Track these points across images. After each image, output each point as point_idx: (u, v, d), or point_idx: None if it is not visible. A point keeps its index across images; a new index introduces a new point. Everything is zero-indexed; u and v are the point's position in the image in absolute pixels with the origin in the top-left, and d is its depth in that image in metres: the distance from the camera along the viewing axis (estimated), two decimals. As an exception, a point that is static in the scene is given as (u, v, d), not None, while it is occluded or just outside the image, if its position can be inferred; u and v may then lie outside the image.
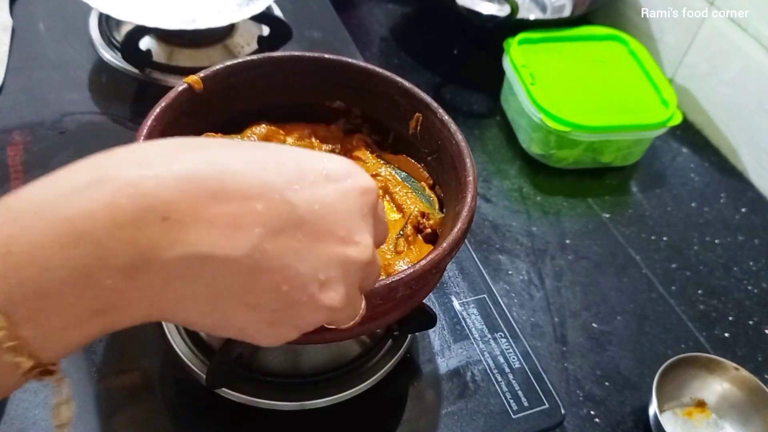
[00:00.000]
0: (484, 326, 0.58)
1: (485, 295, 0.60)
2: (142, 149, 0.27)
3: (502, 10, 0.84)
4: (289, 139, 0.53)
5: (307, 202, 0.27)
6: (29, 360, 0.24)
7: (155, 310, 0.26)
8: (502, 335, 0.57)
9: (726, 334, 0.65)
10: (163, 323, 0.51)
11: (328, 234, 0.27)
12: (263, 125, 0.53)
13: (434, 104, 0.49)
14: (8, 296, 0.23)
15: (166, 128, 0.45)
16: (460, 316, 0.58)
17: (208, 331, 0.29)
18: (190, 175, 0.25)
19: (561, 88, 0.76)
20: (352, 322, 0.32)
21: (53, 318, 0.24)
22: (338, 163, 0.29)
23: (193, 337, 0.50)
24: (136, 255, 0.24)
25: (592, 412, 0.57)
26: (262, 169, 0.27)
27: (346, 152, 0.54)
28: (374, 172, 0.52)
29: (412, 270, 0.39)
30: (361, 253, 0.28)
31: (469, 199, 0.43)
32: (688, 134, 0.86)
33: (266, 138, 0.52)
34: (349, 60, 0.52)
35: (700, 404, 0.58)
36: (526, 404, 0.53)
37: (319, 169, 0.28)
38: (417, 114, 0.50)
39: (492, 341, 0.57)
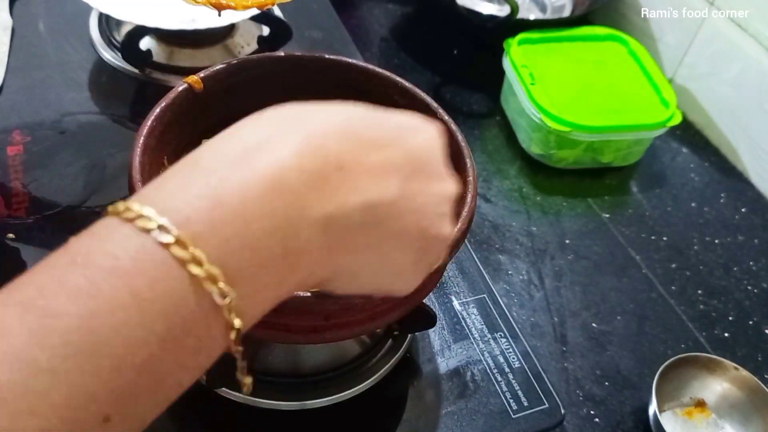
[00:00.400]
0: (484, 326, 0.58)
1: (485, 295, 0.60)
2: (290, 109, 0.29)
3: (502, 10, 0.84)
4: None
5: (416, 148, 0.30)
6: (241, 322, 0.24)
7: (335, 266, 0.28)
8: (502, 335, 0.57)
9: (726, 334, 0.65)
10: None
11: (435, 174, 0.30)
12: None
13: (434, 104, 0.49)
14: (221, 250, 0.23)
15: (167, 128, 0.45)
16: (460, 316, 0.58)
17: (366, 286, 0.30)
18: (345, 127, 0.28)
19: (561, 88, 0.76)
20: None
21: (261, 275, 0.24)
22: (415, 117, 0.32)
23: (193, 336, 0.50)
24: (326, 204, 0.25)
25: (591, 412, 0.57)
26: (380, 122, 0.29)
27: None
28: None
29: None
30: (454, 187, 0.32)
31: (469, 199, 0.43)
32: (688, 134, 0.86)
33: None
34: (349, 60, 0.52)
35: (700, 404, 0.58)
36: (525, 404, 0.53)
37: (410, 121, 0.31)
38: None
39: (492, 341, 0.57)
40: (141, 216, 0.22)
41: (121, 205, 0.23)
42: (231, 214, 0.23)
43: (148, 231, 0.22)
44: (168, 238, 0.22)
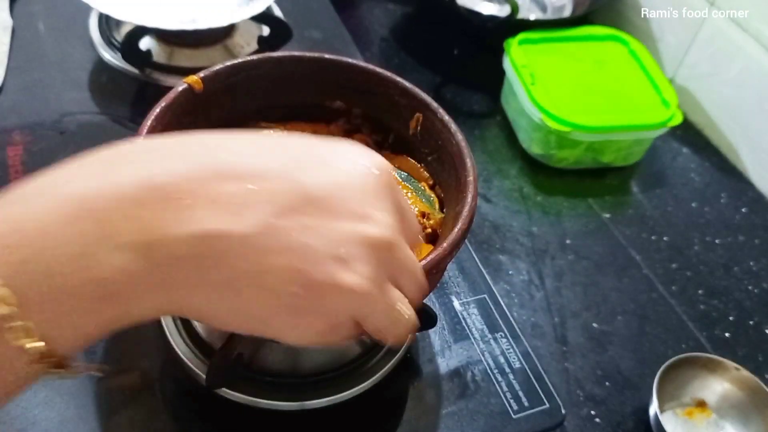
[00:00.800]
0: (484, 326, 0.58)
1: (485, 295, 0.60)
2: (144, 142, 0.27)
3: (502, 10, 0.84)
4: (289, 139, 0.53)
5: (318, 180, 0.26)
6: (40, 343, 0.23)
7: (168, 300, 0.25)
8: (503, 335, 0.57)
9: (726, 334, 0.65)
10: (163, 322, 0.51)
11: (342, 210, 0.26)
12: (263, 125, 0.53)
13: (434, 104, 0.49)
14: (16, 272, 0.23)
15: (166, 128, 0.45)
16: (460, 316, 0.58)
17: (228, 325, 0.27)
18: (194, 157, 0.25)
19: (561, 88, 0.76)
20: (400, 332, 0.30)
21: (63, 300, 0.23)
22: (348, 144, 0.28)
23: (193, 337, 0.50)
24: (141, 232, 0.24)
25: (592, 412, 0.57)
26: (269, 151, 0.26)
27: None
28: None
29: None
30: (380, 229, 0.27)
31: (469, 199, 0.43)
32: (689, 134, 0.86)
33: None
34: (349, 60, 0.52)
35: (701, 404, 0.58)
36: (526, 404, 0.53)
37: (329, 150, 0.28)
38: (417, 114, 0.50)
39: (492, 341, 0.57)
40: None
41: None
42: (30, 239, 0.23)
43: None
44: None
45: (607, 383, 0.59)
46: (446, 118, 0.48)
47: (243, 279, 0.25)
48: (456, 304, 0.59)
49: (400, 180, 0.52)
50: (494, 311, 0.59)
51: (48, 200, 0.24)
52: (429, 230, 0.49)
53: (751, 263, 0.72)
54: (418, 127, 0.51)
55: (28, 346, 0.23)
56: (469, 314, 0.59)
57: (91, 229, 0.23)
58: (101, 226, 0.24)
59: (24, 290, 0.23)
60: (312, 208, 0.26)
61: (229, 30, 0.79)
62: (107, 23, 0.79)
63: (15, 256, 0.23)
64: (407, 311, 0.30)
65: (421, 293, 0.31)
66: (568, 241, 0.71)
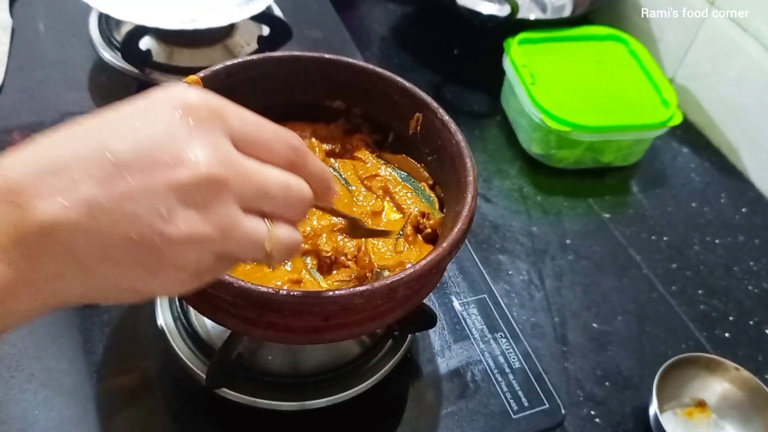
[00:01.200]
0: (484, 326, 0.58)
1: (485, 295, 0.60)
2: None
3: (502, 10, 0.84)
4: (289, 139, 0.53)
5: (129, 141, 0.26)
6: None
7: (44, 294, 0.27)
8: (503, 335, 0.57)
9: (726, 334, 0.65)
10: (163, 322, 0.51)
11: (155, 165, 0.26)
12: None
13: (434, 104, 0.49)
14: None
15: (166, 128, 0.45)
16: (460, 316, 0.58)
17: (109, 300, 0.29)
18: (20, 157, 0.26)
19: (561, 88, 0.76)
20: (274, 253, 0.29)
21: None
22: (153, 92, 0.28)
23: (193, 337, 0.50)
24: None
25: (592, 412, 0.57)
26: (82, 133, 0.27)
27: (346, 152, 0.54)
28: (374, 172, 0.52)
29: (412, 270, 0.39)
30: (192, 170, 0.26)
31: (469, 199, 0.43)
32: (689, 134, 0.86)
33: None
34: (349, 60, 0.52)
35: (701, 404, 0.58)
36: (526, 404, 0.53)
37: (138, 108, 0.27)
38: (417, 114, 0.50)
39: (492, 341, 0.57)
40: None
41: None
42: None
43: None
44: None
45: (607, 383, 0.59)
46: (446, 118, 0.48)
47: (92, 259, 0.26)
48: (456, 304, 0.59)
49: (400, 180, 0.52)
50: (494, 311, 0.59)
51: None
52: (429, 230, 0.49)
53: (751, 263, 0.72)
54: (418, 127, 0.51)
55: None
56: (468, 314, 0.59)
57: None
58: None
59: None
60: (129, 174, 0.26)
61: (229, 30, 0.79)
62: (107, 23, 0.78)
63: None
64: (266, 232, 0.29)
65: (288, 200, 0.30)
66: (568, 241, 0.71)
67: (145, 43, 0.75)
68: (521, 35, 0.80)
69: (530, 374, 0.55)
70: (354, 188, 0.51)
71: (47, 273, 0.26)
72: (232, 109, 0.29)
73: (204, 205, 0.26)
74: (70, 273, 0.26)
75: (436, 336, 0.57)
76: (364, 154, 0.53)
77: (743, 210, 0.78)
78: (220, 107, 0.28)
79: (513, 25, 0.81)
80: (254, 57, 0.50)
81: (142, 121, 0.27)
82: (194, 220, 0.26)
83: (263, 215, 0.29)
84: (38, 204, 0.25)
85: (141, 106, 0.27)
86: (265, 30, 0.79)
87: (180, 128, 0.27)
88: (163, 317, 0.51)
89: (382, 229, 0.47)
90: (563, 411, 0.53)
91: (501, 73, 0.81)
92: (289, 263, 0.44)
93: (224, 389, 0.48)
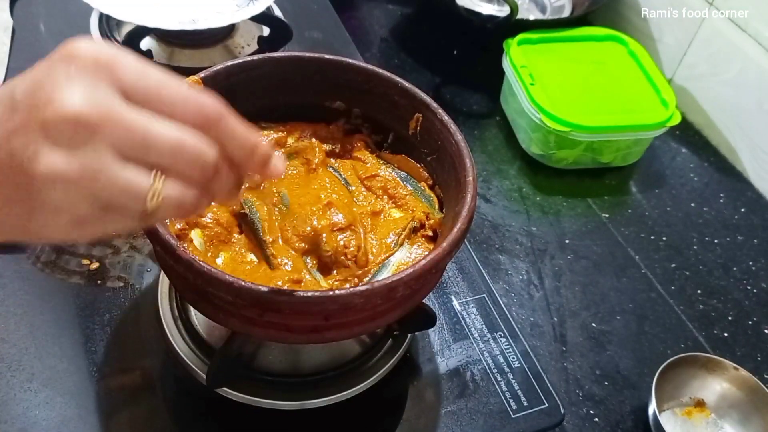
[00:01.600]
0: (483, 326, 0.58)
1: (485, 295, 0.60)
2: None
3: (501, 11, 0.84)
4: (290, 140, 0.53)
5: (23, 84, 0.27)
6: None
7: None
8: (502, 335, 0.58)
9: (725, 334, 0.65)
10: (163, 322, 0.51)
11: (33, 107, 0.27)
12: (264, 125, 0.53)
13: (434, 104, 0.49)
14: None
15: (167, 128, 0.45)
16: (459, 316, 0.59)
17: (7, 237, 0.30)
18: None
19: (560, 88, 0.76)
20: (159, 205, 0.29)
21: None
22: (60, 46, 0.28)
23: (193, 337, 0.50)
24: None
25: (591, 412, 0.57)
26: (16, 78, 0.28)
27: (346, 152, 0.54)
28: (374, 173, 0.52)
29: (412, 270, 0.39)
30: (58, 110, 0.26)
31: (468, 199, 0.43)
32: (688, 134, 0.87)
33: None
34: (349, 60, 0.52)
35: (700, 404, 0.58)
36: (525, 404, 0.53)
37: (47, 58, 0.28)
38: (417, 114, 0.51)
39: (491, 341, 0.57)
40: None
41: None
42: None
43: None
44: None
45: (606, 383, 0.59)
46: (446, 118, 0.49)
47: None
48: (455, 303, 0.60)
49: (400, 180, 0.52)
50: (493, 311, 0.59)
51: None
52: (429, 230, 0.49)
53: (750, 263, 0.72)
54: (418, 127, 0.51)
55: None
56: (468, 314, 0.59)
57: None
58: None
59: None
60: (17, 115, 0.27)
61: (229, 30, 0.79)
62: (108, 23, 0.79)
63: None
64: (148, 185, 0.28)
65: (181, 154, 0.29)
66: (567, 241, 0.71)
67: (146, 43, 0.75)
68: (521, 36, 0.80)
69: (529, 374, 0.55)
70: (354, 188, 0.51)
71: None
72: (133, 64, 0.29)
73: (70, 146, 0.27)
74: None
75: (435, 335, 0.57)
76: (364, 155, 0.53)
77: (742, 210, 0.78)
78: (111, 60, 0.28)
79: (512, 25, 0.81)
80: (254, 57, 0.50)
81: (39, 68, 0.28)
82: (57, 159, 0.26)
83: (152, 168, 0.28)
84: None
85: (50, 56, 0.28)
86: (266, 30, 0.79)
87: (60, 73, 0.27)
88: (164, 317, 0.51)
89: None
90: (562, 410, 0.53)
91: (500, 74, 0.81)
92: (290, 263, 0.45)
93: (224, 389, 0.48)
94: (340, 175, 0.52)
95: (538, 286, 0.66)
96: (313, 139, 0.53)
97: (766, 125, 0.79)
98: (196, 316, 0.52)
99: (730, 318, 0.66)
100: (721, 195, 0.79)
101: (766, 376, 0.62)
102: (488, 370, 0.55)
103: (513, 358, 0.56)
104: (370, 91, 0.52)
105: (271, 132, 0.53)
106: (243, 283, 0.37)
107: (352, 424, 0.51)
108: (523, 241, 0.70)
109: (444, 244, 0.40)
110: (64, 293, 0.55)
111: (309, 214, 0.47)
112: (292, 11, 0.85)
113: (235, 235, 0.47)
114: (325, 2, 0.91)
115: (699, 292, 0.68)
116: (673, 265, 0.70)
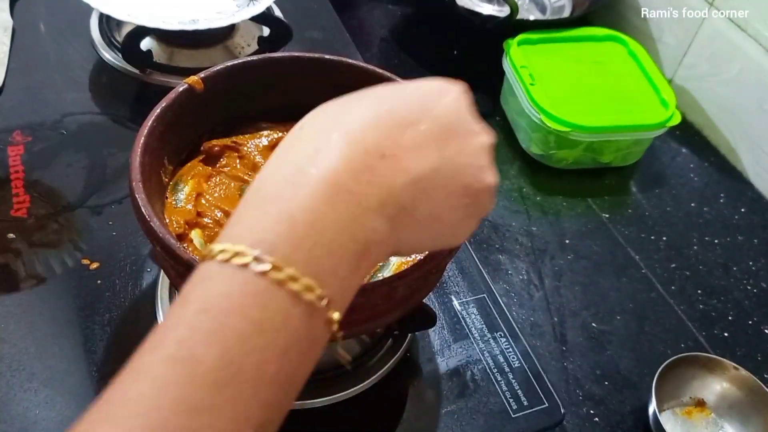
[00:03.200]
0: (483, 326, 0.58)
1: (485, 295, 0.60)
2: (324, 114, 0.32)
3: (501, 11, 0.84)
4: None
5: (444, 113, 0.31)
6: (336, 313, 0.27)
7: (397, 241, 0.30)
8: (502, 335, 0.58)
9: (725, 334, 0.65)
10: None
11: (466, 132, 0.32)
12: (264, 125, 0.53)
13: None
14: (308, 262, 0.26)
15: (167, 128, 0.45)
16: (459, 316, 0.59)
17: (427, 249, 0.36)
18: (377, 115, 0.30)
19: (560, 88, 0.76)
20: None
21: (343, 268, 0.27)
22: (435, 81, 0.33)
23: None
24: (379, 194, 0.28)
25: (591, 412, 0.57)
26: (406, 99, 0.32)
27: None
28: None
29: (412, 270, 0.39)
30: (490, 136, 0.33)
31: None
32: (688, 134, 0.87)
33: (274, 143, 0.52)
34: (350, 60, 0.52)
35: (700, 404, 0.58)
36: (525, 403, 0.53)
37: (431, 88, 0.33)
38: (417, 114, 0.50)
39: (492, 341, 0.57)
40: (236, 254, 0.26)
41: (215, 249, 0.26)
42: (306, 229, 0.26)
43: (246, 265, 0.25)
44: (265, 267, 0.25)
45: (606, 383, 0.59)
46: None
47: (441, 207, 0.31)
48: (455, 303, 0.60)
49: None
50: (493, 311, 0.59)
51: (306, 190, 0.27)
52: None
53: (750, 263, 0.72)
54: (418, 128, 0.51)
55: (335, 317, 0.27)
56: (468, 314, 0.59)
57: (346, 203, 0.27)
58: (352, 198, 0.28)
59: (320, 273, 0.26)
60: (451, 136, 0.31)
61: (229, 30, 0.79)
62: (108, 24, 0.79)
63: (304, 249, 0.26)
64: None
65: None
66: (567, 241, 0.71)
67: (146, 43, 0.75)
68: (521, 36, 0.80)
69: (529, 373, 0.55)
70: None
71: (409, 221, 0.30)
72: None
73: (491, 163, 0.33)
74: (418, 224, 0.30)
75: (435, 335, 0.57)
76: (364, 155, 0.53)
77: (742, 210, 0.78)
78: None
79: (512, 26, 0.81)
80: (254, 58, 0.50)
81: (449, 101, 0.32)
82: (494, 172, 0.33)
83: None
84: (405, 157, 0.29)
85: (435, 86, 0.33)
86: (266, 31, 0.79)
87: (468, 109, 0.33)
88: (164, 316, 0.51)
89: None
90: (562, 410, 0.53)
91: (500, 74, 0.81)
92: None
93: (225, 388, 0.48)
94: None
95: (538, 286, 0.66)
96: (313, 139, 0.53)
97: (766, 125, 0.79)
98: (196, 316, 0.52)
99: (730, 318, 0.66)
100: (722, 195, 0.79)
101: (766, 376, 0.62)
102: (488, 370, 0.55)
103: (513, 357, 0.56)
104: (370, 91, 0.52)
105: (271, 132, 0.53)
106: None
107: (352, 424, 0.51)
108: (524, 241, 0.70)
109: (444, 244, 0.40)
110: (64, 293, 0.55)
111: None
112: (292, 11, 0.85)
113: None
114: (325, 2, 0.91)
115: (699, 292, 0.68)
116: (673, 265, 0.70)
